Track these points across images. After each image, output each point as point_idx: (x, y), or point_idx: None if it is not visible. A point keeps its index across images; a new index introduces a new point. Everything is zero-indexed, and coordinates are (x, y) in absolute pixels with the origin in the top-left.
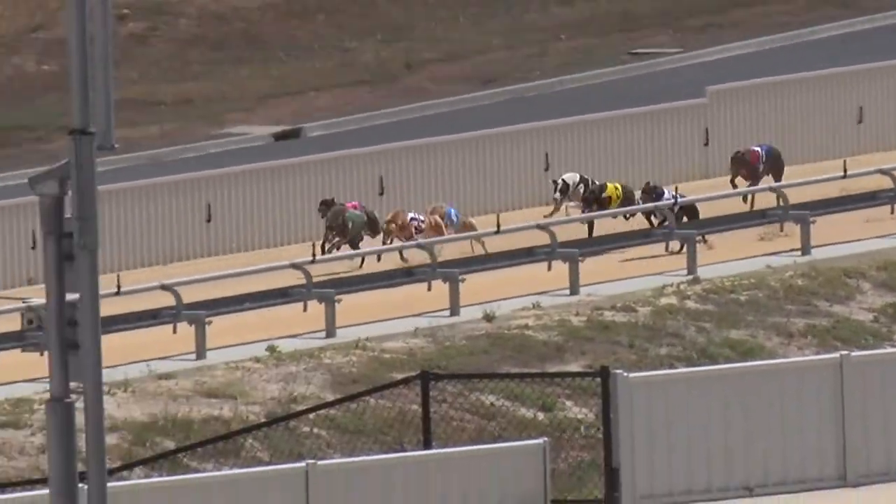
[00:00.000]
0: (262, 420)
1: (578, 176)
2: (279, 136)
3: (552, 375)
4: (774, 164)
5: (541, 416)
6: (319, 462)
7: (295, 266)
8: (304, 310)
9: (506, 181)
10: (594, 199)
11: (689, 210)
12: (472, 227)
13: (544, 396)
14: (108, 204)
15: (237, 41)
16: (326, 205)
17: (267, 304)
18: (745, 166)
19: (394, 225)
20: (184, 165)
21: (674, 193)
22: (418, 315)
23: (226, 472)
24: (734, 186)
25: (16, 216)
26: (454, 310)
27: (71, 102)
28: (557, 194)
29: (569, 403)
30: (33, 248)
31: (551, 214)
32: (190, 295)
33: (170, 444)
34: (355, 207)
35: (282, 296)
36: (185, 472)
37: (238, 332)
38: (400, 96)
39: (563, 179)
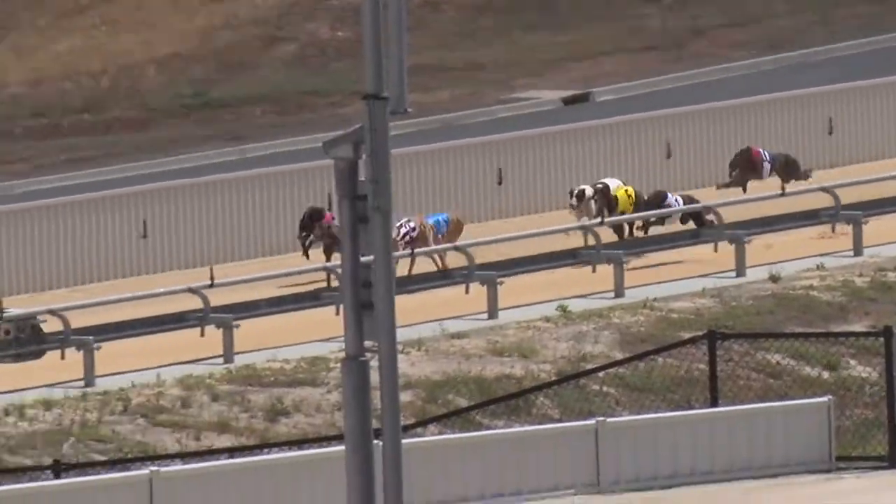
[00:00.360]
0: (553, 378)
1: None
2: (568, 101)
3: (836, 335)
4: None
5: (825, 374)
6: (609, 419)
7: (583, 229)
8: (593, 271)
9: (789, 145)
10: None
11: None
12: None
13: (828, 355)
14: (400, 167)
15: (527, 7)
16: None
17: (555, 266)
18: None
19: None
20: (474, 129)
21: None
22: (705, 276)
23: (517, 429)
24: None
25: (314, 178)
26: (740, 271)
27: (364, 68)
28: (574, 201)
29: (853, 362)
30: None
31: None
32: (483, 256)
33: (462, 402)
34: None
35: (571, 257)
36: (478, 429)
37: (529, 293)
38: (687, 61)
39: (581, 188)
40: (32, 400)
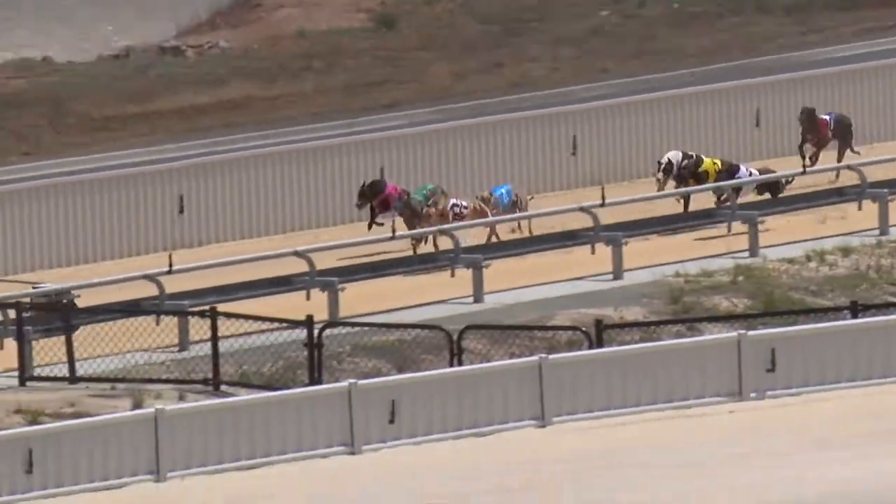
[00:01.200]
0: None
1: (682, 154)
2: None
3: None
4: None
5: None
6: None
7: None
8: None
9: None
10: (690, 174)
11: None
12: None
13: None
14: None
15: None
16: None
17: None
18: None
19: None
20: None
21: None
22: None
23: None
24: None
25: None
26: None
27: None
28: (661, 174)
29: None
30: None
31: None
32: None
33: None
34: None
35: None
36: None
37: None
38: None
39: (667, 158)
40: (832, 247)
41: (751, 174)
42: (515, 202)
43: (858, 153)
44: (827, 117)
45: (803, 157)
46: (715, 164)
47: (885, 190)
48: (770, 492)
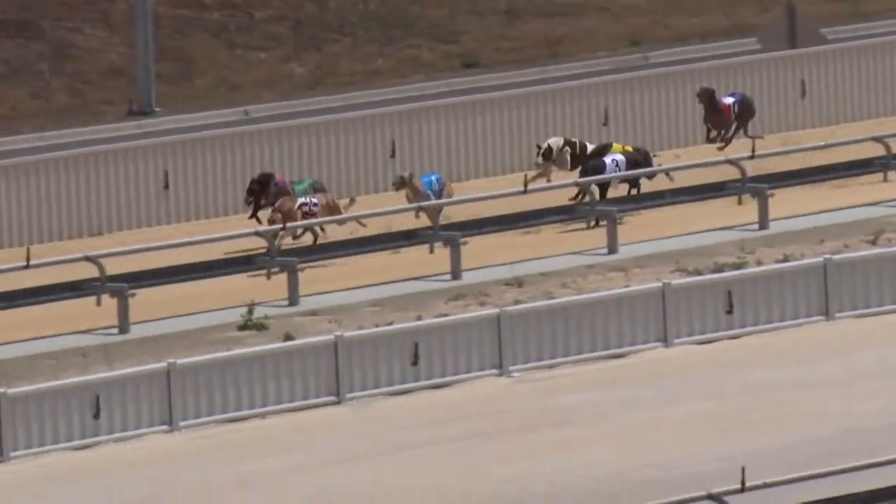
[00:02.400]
0: None
1: (563, 140)
2: None
3: None
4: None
5: None
6: None
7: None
8: None
9: None
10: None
11: None
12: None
13: None
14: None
15: None
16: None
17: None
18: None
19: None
20: None
21: None
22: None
23: None
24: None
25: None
26: None
27: None
28: (539, 159)
29: None
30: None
31: (533, 179)
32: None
33: None
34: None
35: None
36: None
37: None
38: None
39: (547, 144)
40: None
41: (616, 165)
42: (441, 190)
43: (762, 138)
44: (730, 99)
45: (710, 142)
46: (626, 150)
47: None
48: None
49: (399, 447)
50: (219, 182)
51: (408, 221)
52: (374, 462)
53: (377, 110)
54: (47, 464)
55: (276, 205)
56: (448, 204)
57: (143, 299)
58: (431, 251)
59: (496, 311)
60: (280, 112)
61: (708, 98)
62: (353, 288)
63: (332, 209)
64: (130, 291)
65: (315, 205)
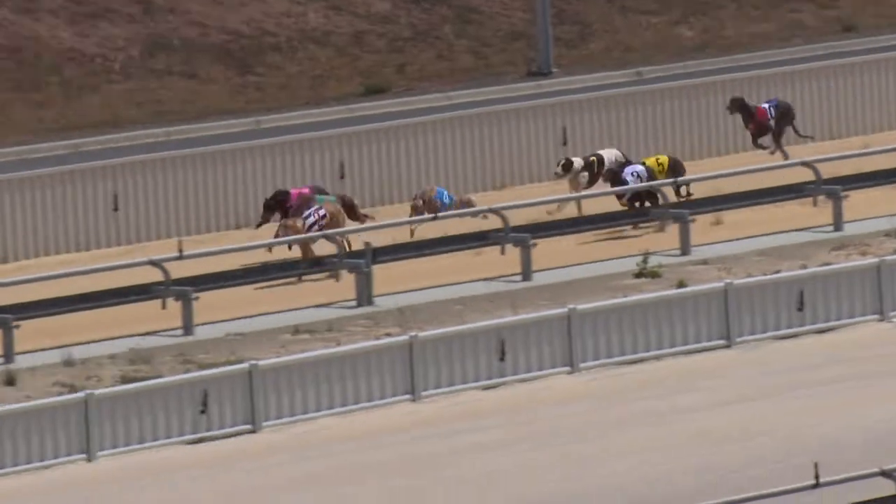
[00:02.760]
0: None
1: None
2: None
3: None
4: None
5: None
6: None
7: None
8: None
9: None
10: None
11: None
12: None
13: None
14: None
15: None
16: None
17: None
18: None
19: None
20: None
21: None
22: None
23: None
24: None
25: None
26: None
27: None
28: (559, 169)
29: None
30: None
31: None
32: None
33: None
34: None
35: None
36: None
37: None
38: None
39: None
40: None
41: (637, 176)
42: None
43: (812, 138)
44: (766, 105)
45: (760, 147)
46: (660, 163)
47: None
48: None
49: (782, 389)
50: (615, 138)
51: (786, 177)
52: (758, 403)
53: (759, 72)
54: (459, 402)
55: (283, 221)
56: (831, 160)
57: (544, 249)
58: (815, 204)
59: (876, 260)
60: (671, 73)
61: (739, 106)
62: (741, 238)
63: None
64: (532, 241)
65: (323, 216)
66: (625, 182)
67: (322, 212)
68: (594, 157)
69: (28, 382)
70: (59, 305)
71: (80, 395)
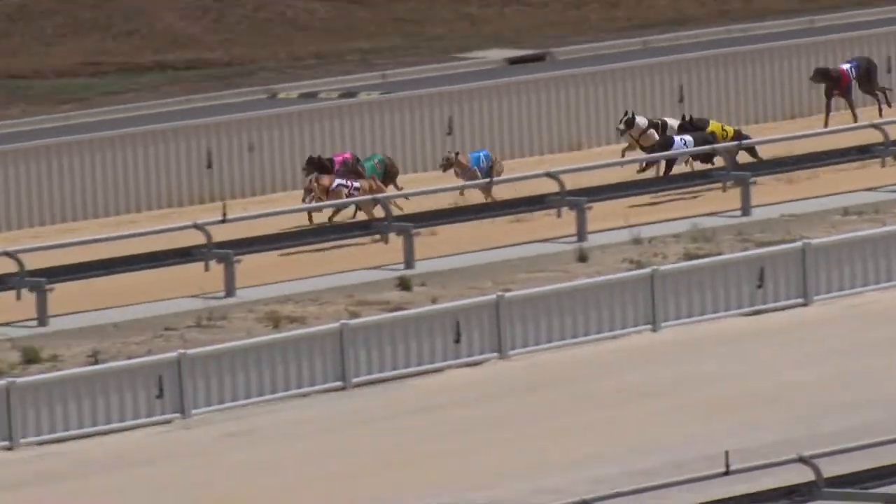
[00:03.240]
0: None
1: (647, 120)
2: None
3: None
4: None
5: None
6: None
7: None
8: None
9: None
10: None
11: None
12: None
13: None
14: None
15: None
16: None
17: None
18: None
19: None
20: None
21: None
22: None
23: None
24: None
25: None
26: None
27: None
28: (622, 125)
29: None
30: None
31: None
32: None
33: None
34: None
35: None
36: None
37: None
38: None
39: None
40: None
41: (685, 143)
42: (492, 167)
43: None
44: (847, 66)
45: (827, 113)
46: (724, 130)
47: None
48: None
49: None
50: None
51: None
52: None
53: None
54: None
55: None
56: None
57: None
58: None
59: None
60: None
61: (821, 75)
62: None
63: (375, 190)
64: None
65: (357, 188)
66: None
67: (356, 184)
68: (660, 121)
69: (598, 259)
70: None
71: (647, 270)
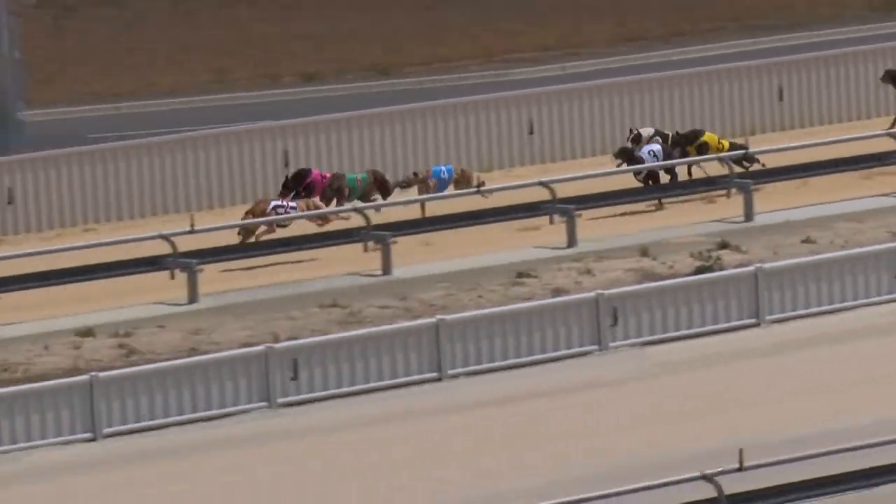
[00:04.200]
0: None
1: (654, 129)
2: None
3: None
4: None
5: None
6: None
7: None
8: None
9: None
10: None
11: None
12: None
13: None
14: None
15: None
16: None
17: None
18: None
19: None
20: None
21: None
22: None
23: None
24: None
25: None
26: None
27: None
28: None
29: None
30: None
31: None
32: None
33: None
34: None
35: None
36: None
37: None
38: None
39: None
40: None
41: (652, 154)
42: (458, 180)
43: None
44: None
45: None
46: (720, 142)
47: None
48: None
49: None
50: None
51: None
52: None
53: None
54: None
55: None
56: None
57: None
58: None
59: None
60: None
61: (892, 77)
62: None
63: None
64: None
65: (293, 208)
66: (642, 160)
67: (293, 204)
68: (636, 131)
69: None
70: None
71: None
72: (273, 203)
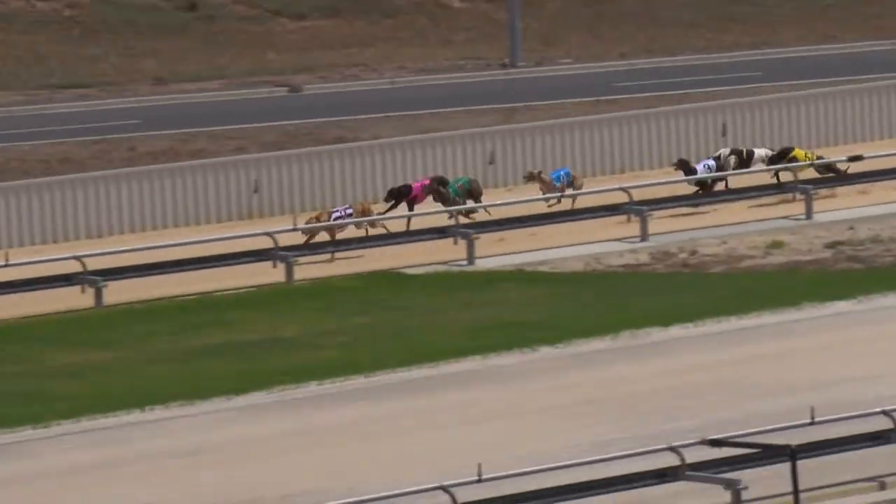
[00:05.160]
0: None
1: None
2: None
3: None
4: None
5: None
6: None
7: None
8: None
9: None
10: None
11: None
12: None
13: None
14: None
15: None
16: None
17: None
18: None
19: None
20: None
21: None
22: None
23: None
24: None
25: None
26: None
27: None
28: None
29: None
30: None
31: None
32: None
33: None
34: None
35: None
36: None
37: None
38: None
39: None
40: None
41: (707, 168)
42: (571, 183)
43: None
44: None
45: None
46: (807, 154)
47: None
48: None
49: None
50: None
51: None
52: None
53: None
54: None
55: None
56: None
57: None
58: None
59: None
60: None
61: None
62: None
63: (364, 213)
64: None
65: (349, 214)
66: (696, 171)
67: (350, 210)
68: (744, 149)
69: None
70: None
71: None
72: (335, 216)
